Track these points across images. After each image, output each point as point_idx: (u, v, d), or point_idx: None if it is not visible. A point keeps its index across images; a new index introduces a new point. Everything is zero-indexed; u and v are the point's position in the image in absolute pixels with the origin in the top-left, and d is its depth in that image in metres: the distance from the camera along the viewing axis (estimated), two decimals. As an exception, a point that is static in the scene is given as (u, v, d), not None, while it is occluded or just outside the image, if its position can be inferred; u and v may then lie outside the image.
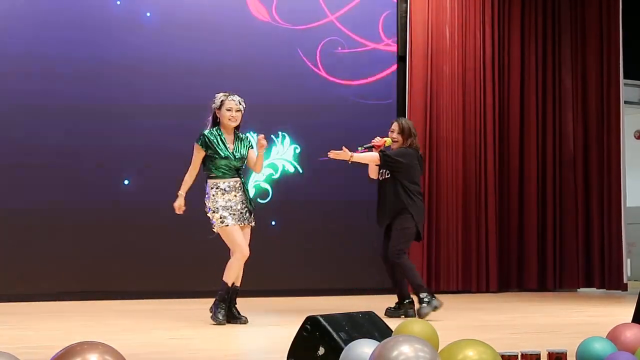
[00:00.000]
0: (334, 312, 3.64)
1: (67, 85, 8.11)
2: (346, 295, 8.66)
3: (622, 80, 10.36)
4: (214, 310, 5.86)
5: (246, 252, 5.91)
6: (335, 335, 3.36)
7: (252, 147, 6.15)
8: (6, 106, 7.91)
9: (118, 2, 8.38)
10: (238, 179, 5.99)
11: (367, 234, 9.23)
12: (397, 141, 6.50)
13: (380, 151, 6.55)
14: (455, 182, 9.69)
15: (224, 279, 5.91)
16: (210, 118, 6.12)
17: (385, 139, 6.53)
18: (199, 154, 6.04)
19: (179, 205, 6.05)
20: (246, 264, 6.01)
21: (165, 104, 8.42)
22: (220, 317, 5.79)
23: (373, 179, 6.74)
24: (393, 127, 6.57)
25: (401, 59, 9.68)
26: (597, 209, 10.30)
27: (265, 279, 8.66)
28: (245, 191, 6.00)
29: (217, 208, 5.90)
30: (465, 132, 9.80)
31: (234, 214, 5.90)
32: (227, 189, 5.93)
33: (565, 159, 10.41)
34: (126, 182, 8.30)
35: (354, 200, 9.09)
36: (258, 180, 8.86)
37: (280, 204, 8.96)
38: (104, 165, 8.23)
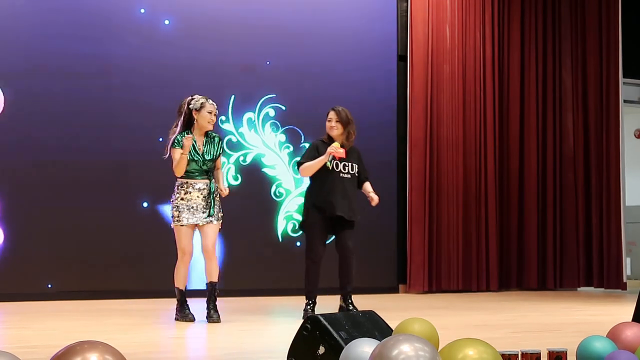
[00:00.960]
0: (334, 312, 3.63)
1: (80, 86, 8.18)
2: (360, 294, 8.54)
3: (621, 79, 10.34)
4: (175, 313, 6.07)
5: (186, 253, 6.00)
6: (335, 335, 3.36)
7: (223, 150, 6.20)
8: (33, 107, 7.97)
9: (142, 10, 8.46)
10: (207, 180, 6.05)
11: (368, 233, 9.24)
12: (336, 129, 6.34)
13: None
14: (455, 182, 9.68)
15: (175, 283, 6.08)
16: (182, 119, 6.08)
17: (335, 144, 6.31)
18: (177, 157, 6.03)
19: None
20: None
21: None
22: (179, 317, 5.99)
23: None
24: (330, 116, 6.38)
25: (401, 58, 9.69)
26: (597, 208, 10.28)
27: (265, 278, 8.67)
28: (210, 193, 6.03)
29: (177, 206, 5.99)
30: (465, 131, 9.79)
31: (193, 214, 5.97)
32: (192, 189, 5.99)
33: (565, 157, 10.40)
34: (145, 204, 8.34)
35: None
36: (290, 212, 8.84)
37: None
38: (104, 165, 8.24)
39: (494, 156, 9.94)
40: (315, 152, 6.31)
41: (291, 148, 9.02)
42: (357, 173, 6.46)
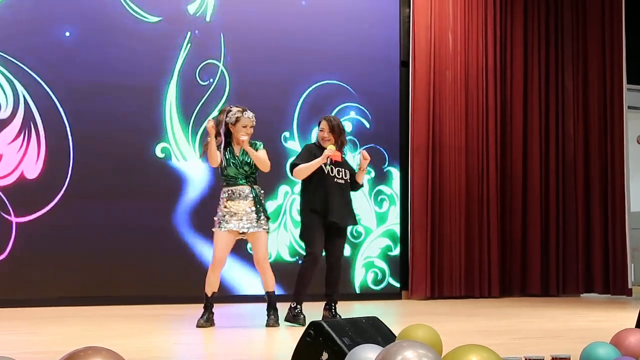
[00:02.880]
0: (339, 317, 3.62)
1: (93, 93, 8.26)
2: (350, 300, 8.63)
3: (625, 85, 10.34)
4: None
5: (216, 262, 6.00)
6: (338, 341, 3.35)
7: (263, 150, 6.13)
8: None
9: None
10: (246, 186, 6.03)
11: (371, 238, 9.37)
12: (328, 139, 6.35)
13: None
14: (457, 187, 9.68)
15: (204, 289, 6.06)
16: (222, 134, 6.09)
17: (331, 147, 6.30)
18: (218, 157, 6.04)
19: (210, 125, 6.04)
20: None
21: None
22: (202, 321, 5.95)
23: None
24: (322, 126, 6.39)
25: (404, 64, 9.71)
26: (601, 214, 10.27)
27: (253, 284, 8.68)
28: (255, 197, 6.01)
29: (220, 212, 6.00)
30: (467, 137, 9.81)
31: (238, 220, 5.96)
32: (233, 195, 6.00)
33: (568, 163, 10.41)
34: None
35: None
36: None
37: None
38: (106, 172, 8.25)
39: (496, 162, 9.95)
40: (309, 154, 6.31)
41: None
42: (350, 179, 6.46)
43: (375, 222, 9.46)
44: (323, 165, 6.26)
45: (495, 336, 5.46)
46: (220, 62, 8.86)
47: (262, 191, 6.15)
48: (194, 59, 8.72)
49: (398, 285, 9.54)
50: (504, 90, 10.17)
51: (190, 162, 8.60)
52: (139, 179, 8.37)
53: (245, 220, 5.97)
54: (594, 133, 10.41)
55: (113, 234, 8.18)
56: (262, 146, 6.13)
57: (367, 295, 9.13)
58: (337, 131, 6.39)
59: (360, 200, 9.02)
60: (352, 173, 6.50)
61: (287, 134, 9.06)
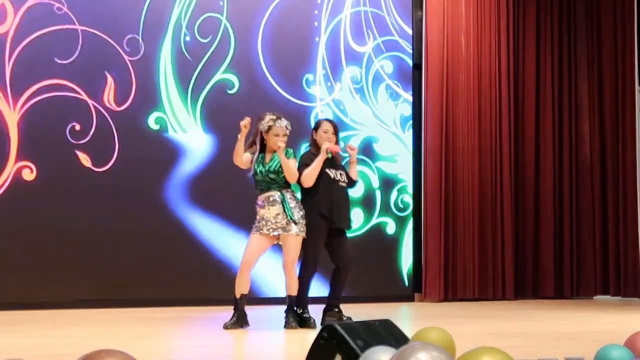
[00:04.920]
0: (350, 319, 3.62)
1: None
2: (363, 303, 8.63)
3: (637, 87, 10.26)
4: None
5: (243, 264, 6.06)
6: (352, 343, 3.35)
7: (289, 157, 6.13)
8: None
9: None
10: (273, 192, 6.08)
11: (383, 241, 9.36)
12: (330, 141, 6.37)
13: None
14: (471, 189, 9.67)
15: (234, 291, 6.11)
16: (258, 140, 6.14)
17: (326, 142, 6.35)
18: (247, 161, 6.12)
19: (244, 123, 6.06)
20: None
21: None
22: (228, 323, 5.99)
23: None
24: (327, 127, 6.40)
25: (417, 66, 9.70)
26: (614, 216, 10.21)
27: (280, 286, 8.65)
28: (283, 203, 6.06)
29: (257, 220, 6.10)
30: (481, 139, 9.79)
31: (266, 225, 6.04)
32: (262, 203, 6.09)
33: (582, 165, 10.36)
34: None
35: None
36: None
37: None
38: (123, 176, 8.18)
39: (510, 164, 9.93)
40: (309, 161, 6.32)
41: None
42: (348, 182, 6.50)
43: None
44: (328, 171, 6.30)
45: (509, 338, 5.45)
46: (223, 15, 8.62)
47: (296, 194, 6.20)
48: (192, 11, 8.43)
49: (411, 287, 9.52)
50: (517, 92, 10.15)
51: (190, 133, 8.37)
52: (132, 153, 8.16)
53: (275, 224, 6.04)
54: (608, 134, 10.34)
55: (128, 236, 8.12)
56: (292, 155, 6.16)
57: (379, 297, 9.11)
58: (337, 131, 6.48)
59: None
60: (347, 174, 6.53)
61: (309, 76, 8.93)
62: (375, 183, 9.31)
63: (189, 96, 8.44)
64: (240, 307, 6.06)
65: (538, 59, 10.30)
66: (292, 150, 6.18)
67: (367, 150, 9.29)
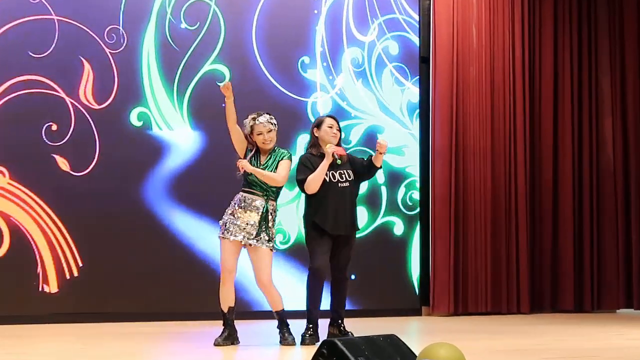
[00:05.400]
0: (351, 334, 3.63)
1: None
2: (365, 316, 8.64)
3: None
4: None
5: (225, 273, 6.04)
6: (354, 360, 3.37)
7: (284, 158, 6.19)
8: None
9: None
10: (262, 200, 6.09)
11: (387, 250, 9.34)
12: (335, 137, 6.41)
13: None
14: (483, 194, 9.66)
15: (220, 306, 6.10)
16: (253, 144, 6.21)
17: (330, 145, 6.37)
18: (243, 141, 6.18)
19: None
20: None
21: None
22: (220, 340, 5.99)
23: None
24: (331, 122, 6.43)
25: (424, 60, 9.70)
26: (638, 224, 10.23)
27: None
28: (264, 214, 6.07)
29: (228, 218, 6.08)
30: (493, 139, 9.79)
31: (241, 231, 6.03)
32: (246, 205, 6.07)
33: (604, 168, 10.35)
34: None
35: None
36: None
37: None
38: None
39: (525, 166, 9.91)
40: (310, 165, 6.33)
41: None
42: (356, 177, 6.48)
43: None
44: (329, 173, 6.31)
45: (524, 356, 5.45)
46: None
47: (276, 210, 6.19)
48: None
49: (418, 300, 9.51)
50: (532, 88, 10.13)
51: (176, 130, 8.34)
52: (114, 154, 8.14)
53: (246, 231, 6.03)
54: (632, 134, 10.37)
55: (108, 247, 8.10)
56: (287, 156, 6.20)
57: (384, 310, 9.11)
58: (340, 129, 6.50)
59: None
60: (359, 165, 6.50)
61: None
62: (381, 178, 9.27)
63: (174, 89, 8.42)
64: (230, 321, 6.06)
65: (556, 52, 10.28)
66: (287, 153, 6.22)
67: (371, 142, 9.11)
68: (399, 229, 9.36)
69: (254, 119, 6.12)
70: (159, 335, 6.93)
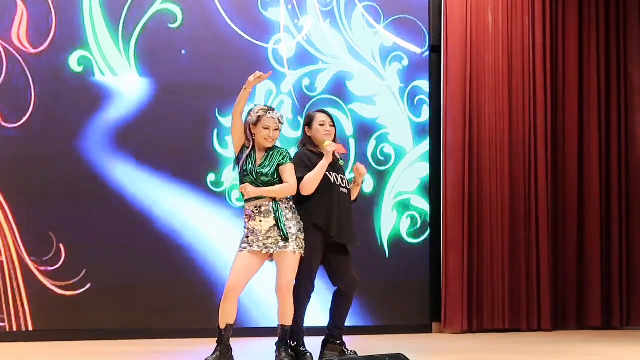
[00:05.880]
0: (355, 354, 3.56)
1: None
2: (370, 334, 8.65)
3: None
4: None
5: (230, 288, 6.01)
6: (356, 383, 3.27)
7: (286, 161, 6.18)
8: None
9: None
10: (264, 200, 6.07)
11: (394, 260, 9.33)
12: (330, 135, 6.40)
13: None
14: (500, 196, 9.67)
15: (218, 320, 6.07)
16: (248, 134, 6.18)
17: (328, 142, 6.37)
18: (243, 134, 6.16)
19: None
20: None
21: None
22: (210, 359, 5.95)
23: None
24: (322, 118, 6.43)
25: (435, 48, 9.72)
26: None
27: (272, 314, 8.58)
28: (276, 214, 6.05)
29: (245, 234, 6.08)
30: (512, 135, 9.79)
31: (257, 240, 6.03)
32: (252, 213, 6.07)
33: (634, 167, 10.37)
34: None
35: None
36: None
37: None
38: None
39: (546, 166, 9.91)
40: (308, 162, 6.32)
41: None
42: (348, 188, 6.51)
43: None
44: (328, 174, 6.31)
45: (547, 378, 5.45)
46: None
47: (291, 204, 6.18)
48: None
49: (428, 316, 9.53)
50: (555, 79, 10.14)
51: (122, 76, 8.28)
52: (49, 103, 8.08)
53: (267, 239, 6.03)
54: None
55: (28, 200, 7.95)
56: (289, 158, 6.19)
57: (389, 327, 9.12)
58: (335, 125, 6.49)
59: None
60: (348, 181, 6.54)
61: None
62: (349, 130, 9.22)
63: (120, 31, 8.36)
64: (225, 339, 6.04)
65: (580, 41, 10.30)
66: (288, 153, 6.21)
67: (339, 90, 9.20)
68: (368, 186, 9.21)
69: (264, 110, 6.13)
70: (145, 355, 6.92)
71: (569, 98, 10.20)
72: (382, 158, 9.35)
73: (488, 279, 9.53)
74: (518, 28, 9.91)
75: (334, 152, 6.27)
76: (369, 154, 9.27)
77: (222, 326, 6.01)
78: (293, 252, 6.03)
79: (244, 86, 6.03)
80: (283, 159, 6.14)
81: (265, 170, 6.07)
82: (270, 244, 6.01)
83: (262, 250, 6.00)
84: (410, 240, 9.38)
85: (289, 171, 6.12)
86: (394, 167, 9.40)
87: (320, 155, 6.30)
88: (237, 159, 6.16)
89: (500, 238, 9.62)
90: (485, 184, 9.62)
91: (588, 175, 10.19)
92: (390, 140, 9.41)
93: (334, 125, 6.45)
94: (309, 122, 6.45)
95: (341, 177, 6.41)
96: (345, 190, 6.40)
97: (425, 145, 9.54)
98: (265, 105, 6.21)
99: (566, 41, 10.23)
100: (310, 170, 6.24)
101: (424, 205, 9.51)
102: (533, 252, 9.76)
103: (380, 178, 9.34)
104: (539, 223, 9.82)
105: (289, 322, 6.07)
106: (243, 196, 6.09)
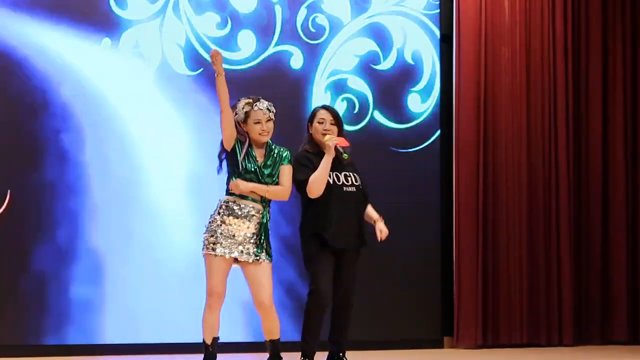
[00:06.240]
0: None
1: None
2: (374, 350, 8.68)
3: None
4: None
5: (215, 297, 6.00)
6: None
7: (288, 166, 6.22)
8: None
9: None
10: (260, 206, 6.08)
11: (402, 269, 9.29)
12: (330, 132, 6.45)
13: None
14: (517, 197, 9.62)
15: (203, 336, 6.09)
16: (245, 134, 6.19)
17: (328, 136, 6.43)
18: (234, 127, 6.11)
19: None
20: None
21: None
22: None
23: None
24: (322, 115, 6.50)
25: (445, 38, 9.71)
26: None
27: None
28: (261, 226, 6.07)
29: (214, 230, 6.03)
30: (530, 132, 9.74)
31: (237, 245, 6.01)
32: (240, 214, 6.03)
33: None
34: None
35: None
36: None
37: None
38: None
39: (568, 165, 9.84)
40: (309, 163, 6.38)
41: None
42: (361, 185, 6.53)
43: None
44: (331, 174, 6.36)
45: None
46: None
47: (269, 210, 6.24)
48: None
49: (439, 329, 9.51)
50: (577, 71, 10.08)
51: None
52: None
53: (242, 246, 6.02)
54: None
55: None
56: (290, 159, 6.23)
57: (396, 342, 9.10)
58: (339, 122, 6.54)
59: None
60: (360, 178, 6.56)
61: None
62: None
63: None
64: (212, 354, 6.07)
65: (605, 28, 10.22)
66: (287, 153, 6.24)
67: None
68: (297, 61, 9.15)
69: (249, 104, 6.14)
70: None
71: (593, 90, 10.09)
72: (313, 30, 9.25)
73: (504, 289, 9.50)
74: (537, 17, 9.82)
75: (335, 147, 6.27)
76: (298, 25, 9.17)
77: (209, 340, 6.03)
78: (268, 261, 6.07)
79: (215, 73, 5.98)
80: (284, 158, 6.19)
81: (268, 172, 6.10)
82: (248, 251, 6.01)
83: (238, 257, 6.00)
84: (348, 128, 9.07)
85: (286, 173, 6.17)
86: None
87: (319, 155, 6.34)
88: (229, 156, 6.13)
89: (517, 244, 9.58)
90: (502, 185, 9.59)
91: (614, 175, 10.11)
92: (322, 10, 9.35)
93: (335, 123, 6.47)
94: (310, 119, 6.54)
95: (345, 174, 6.43)
96: (352, 189, 6.41)
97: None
98: (249, 98, 6.19)
99: (590, 29, 10.14)
100: (313, 172, 6.28)
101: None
102: (554, 259, 9.71)
103: (312, 53, 9.22)
104: (559, 227, 9.76)
105: (277, 334, 6.09)
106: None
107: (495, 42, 9.71)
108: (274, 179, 6.12)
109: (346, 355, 6.54)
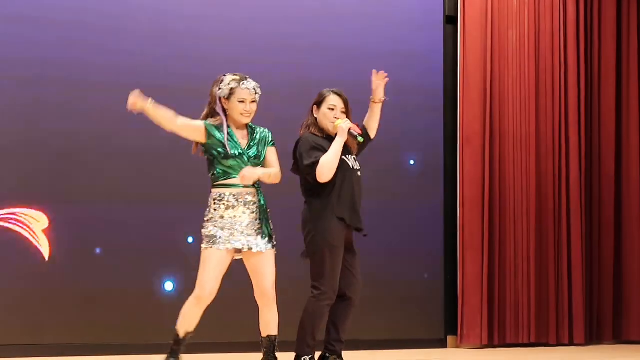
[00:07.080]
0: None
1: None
2: (374, 349, 8.82)
3: None
4: None
5: (207, 292, 5.95)
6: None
7: (273, 147, 6.24)
8: None
9: None
10: (252, 189, 6.09)
11: (404, 265, 9.46)
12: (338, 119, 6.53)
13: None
14: (525, 192, 9.68)
15: (176, 326, 6.04)
16: (206, 109, 6.21)
17: (339, 120, 6.52)
18: (195, 125, 6.11)
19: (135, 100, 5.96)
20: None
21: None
22: None
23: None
24: (334, 101, 6.54)
25: (450, 20, 9.79)
26: None
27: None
28: (260, 207, 6.09)
29: (214, 224, 6.03)
30: (539, 123, 9.78)
31: (232, 235, 6.01)
32: (234, 201, 6.05)
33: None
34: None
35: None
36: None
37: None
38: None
39: (579, 158, 9.87)
40: (319, 146, 6.42)
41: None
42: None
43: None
44: (345, 157, 6.42)
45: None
46: None
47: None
48: None
49: (443, 328, 9.63)
50: (589, 58, 10.09)
51: None
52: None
53: (244, 234, 6.03)
54: None
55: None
56: (273, 140, 6.24)
57: (399, 341, 9.21)
58: (349, 109, 6.61)
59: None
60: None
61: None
62: None
63: None
64: (179, 352, 6.04)
65: (619, 11, 10.27)
66: (269, 133, 6.28)
67: None
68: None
69: (236, 81, 6.11)
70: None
71: (606, 79, 10.18)
72: None
73: (511, 286, 9.57)
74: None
75: (349, 130, 6.35)
76: None
77: (182, 334, 5.99)
78: (272, 249, 6.08)
79: (144, 108, 5.90)
80: (267, 139, 6.21)
81: (254, 154, 6.11)
82: (248, 241, 6.01)
83: (243, 248, 5.99)
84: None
85: (274, 155, 6.19)
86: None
87: (328, 140, 6.41)
88: (205, 145, 6.09)
89: (525, 239, 9.63)
90: (509, 178, 9.64)
91: (627, 169, 10.19)
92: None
93: (346, 112, 6.53)
94: (318, 102, 6.55)
95: (354, 158, 6.55)
96: (360, 174, 6.53)
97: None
98: (237, 74, 6.16)
99: (603, 12, 10.21)
100: (323, 154, 6.31)
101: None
102: (564, 255, 9.73)
103: None
104: (570, 222, 9.78)
105: (275, 330, 6.08)
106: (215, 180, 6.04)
107: (502, 24, 9.74)
108: (260, 160, 6.11)
109: (344, 356, 6.55)
